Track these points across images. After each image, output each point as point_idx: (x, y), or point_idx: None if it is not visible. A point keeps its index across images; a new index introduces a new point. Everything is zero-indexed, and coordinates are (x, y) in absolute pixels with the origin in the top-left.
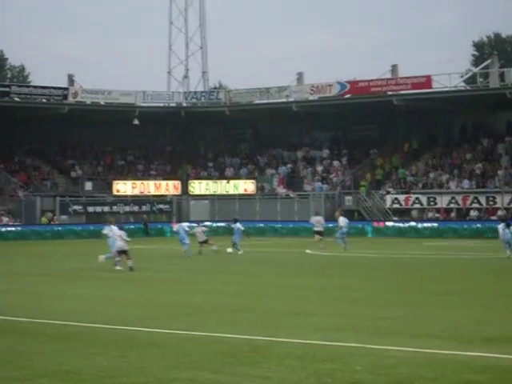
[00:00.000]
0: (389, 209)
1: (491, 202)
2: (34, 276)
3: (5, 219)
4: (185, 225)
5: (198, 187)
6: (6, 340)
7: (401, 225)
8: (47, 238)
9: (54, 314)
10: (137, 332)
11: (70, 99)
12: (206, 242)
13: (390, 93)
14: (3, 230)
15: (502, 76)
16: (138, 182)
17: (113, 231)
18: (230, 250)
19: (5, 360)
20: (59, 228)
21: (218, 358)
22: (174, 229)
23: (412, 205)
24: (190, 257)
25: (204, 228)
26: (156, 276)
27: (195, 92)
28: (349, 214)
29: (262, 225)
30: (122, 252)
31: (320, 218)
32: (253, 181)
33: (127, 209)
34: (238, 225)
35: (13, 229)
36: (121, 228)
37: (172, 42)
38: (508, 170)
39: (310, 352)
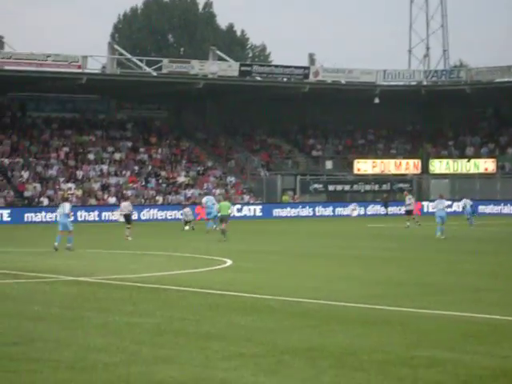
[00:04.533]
0: None
1: None
2: (275, 254)
3: (246, 197)
4: (211, 198)
5: (439, 166)
6: (248, 317)
7: None
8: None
9: (294, 292)
10: (377, 310)
11: (311, 78)
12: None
13: None
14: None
15: None
16: (378, 161)
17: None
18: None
19: (246, 337)
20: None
21: (458, 337)
22: (203, 201)
23: None
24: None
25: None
26: (390, 255)
27: (436, 70)
28: None
29: (502, 205)
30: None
31: None
32: (493, 160)
33: (368, 188)
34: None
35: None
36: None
37: (413, 21)
38: None
39: None
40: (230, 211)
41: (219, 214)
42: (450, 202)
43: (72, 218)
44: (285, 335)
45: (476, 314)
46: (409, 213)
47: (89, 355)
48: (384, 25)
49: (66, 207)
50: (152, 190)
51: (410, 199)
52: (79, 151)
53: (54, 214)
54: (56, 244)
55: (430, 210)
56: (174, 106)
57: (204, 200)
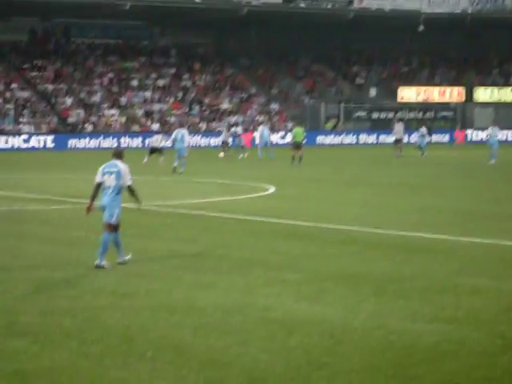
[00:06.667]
0: None
1: None
2: (318, 182)
3: (289, 125)
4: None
5: (483, 94)
6: (291, 243)
7: None
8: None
9: (336, 219)
10: (420, 238)
11: (356, 5)
12: (159, 151)
13: None
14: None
15: None
16: (422, 89)
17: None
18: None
19: (288, 263)
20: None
21: (501, 266)
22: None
23: None
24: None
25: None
26: (432, 183)
27: None
28: None
29: None
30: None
31: None
32: None
33: (411, 115)
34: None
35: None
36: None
37: None
38: None
39: None
40: (302, 137)
41: (292, 141)
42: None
43: (187, 145)
44: (327, 262)
45: None
46: (397, 141)
47: (130, 281)
48: None
49: (183, 134)
50: (195, 117)
51: (399, 127)
52: (123, 77)
53: (169, 139)
54: (175, 165)
55: (474, 138)
56: (217, 32)
57: (173, 134)
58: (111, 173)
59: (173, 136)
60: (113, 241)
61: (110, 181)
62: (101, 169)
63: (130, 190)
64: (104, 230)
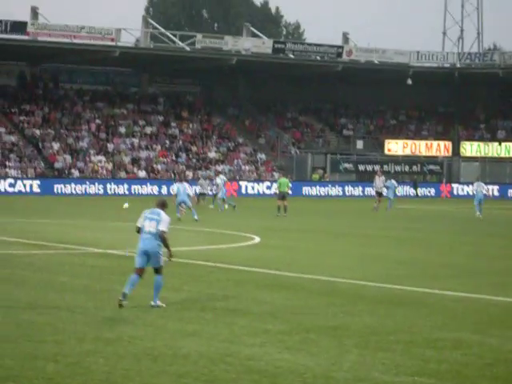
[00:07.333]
0: None
1: None
2: (304, 232)
3: (276, 175)
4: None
5: (469, 149)
6: (275, 294)
7: None
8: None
9: (321, 270)
10: (402, 291)
11: (345, 57)
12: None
13: None
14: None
15: None
16: (409, 142)
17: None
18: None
19: (272, 313)
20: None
21: (485, 321)
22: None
23: None
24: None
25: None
26: (419, 236)
27: (469, 53)
28: None
29: None
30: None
31: None
32: None
33: (398, 168)
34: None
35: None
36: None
37: (448, 3)
38: None
39: None
40: (287, 188)
41: (277, 191)
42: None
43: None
44: (310, 313)
45: (502, 297)
46: (378, 194)
47: (115, 327)
48: (418, 6)
49: (186, 187)
50: (182, 164)
51: (379, 181)
52: (110, 124)
53: (172, 188)
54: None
55: (460, 192)
56: (206, 81)
57: (175, 188)
58: (153, 219)
59: (175, 190)
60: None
61: (151, 227)
62: (143, 214)
63: (163, 237)
64: (133, 274)
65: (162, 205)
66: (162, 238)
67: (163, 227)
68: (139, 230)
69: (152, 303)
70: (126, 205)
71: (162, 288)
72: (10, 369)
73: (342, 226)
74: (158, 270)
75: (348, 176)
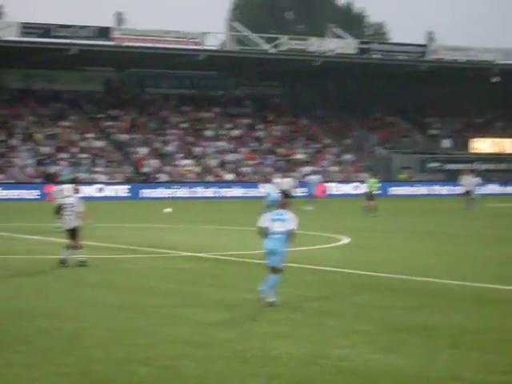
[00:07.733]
0: None
1: None
2: (392, 232)
3: (363, 175)
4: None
5: None
6: (365, 294)
7: None
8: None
9: (411, 270)
10: (493, 289)
11: (430, 56)
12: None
13: None
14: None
15: None
16: (496, 140)
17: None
18: None
19: (363, 314)
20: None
21: None
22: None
23: None
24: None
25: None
26: (509, 235)
27: None
28: None
29: None
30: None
31: None
32: None
33: (485, 167)
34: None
35: None
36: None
37: None
38: None
39: None
40: (376, 188)
41: (367, 190)
42: None
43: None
44: (401, 313)
45: None
46: (466, 193)
47: (205, 330)
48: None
49: (272, 188)
50: (269, 167)
51: (465, 179)
52: (197, 127)
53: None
54: None
55: None
56: (291, 83)
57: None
58: (280, 220)
59: (267, 190)
60: (274, 282)
61: (279, 227)
62: (267, 216)
63: (293, 234)
64: (270, 274)
65: (284, 205)
66: (291, 234)
67: (293, 225)
68: (263, 231)
69: (269, 300)
70: (167, 210)
71: (275, 284)
72: (104, 372)
73: (430, 226)
74: (278, 271)
75: (435, 175)
